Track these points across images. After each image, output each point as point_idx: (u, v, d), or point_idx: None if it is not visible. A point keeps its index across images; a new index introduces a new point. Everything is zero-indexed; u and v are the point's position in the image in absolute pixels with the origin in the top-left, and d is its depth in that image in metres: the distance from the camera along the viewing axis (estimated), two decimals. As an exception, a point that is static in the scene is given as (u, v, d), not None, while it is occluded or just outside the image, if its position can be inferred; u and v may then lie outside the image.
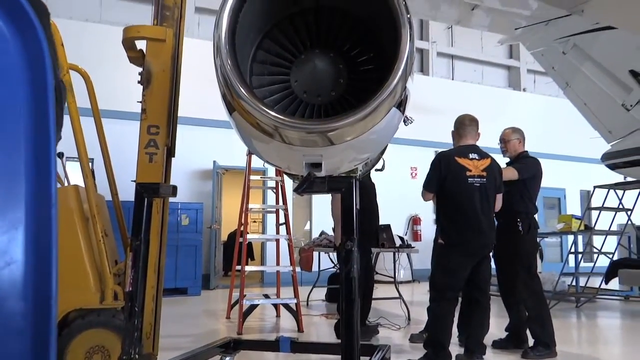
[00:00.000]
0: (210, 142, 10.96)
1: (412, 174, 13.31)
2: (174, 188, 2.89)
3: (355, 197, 2.19)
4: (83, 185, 3.57)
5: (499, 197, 4.69)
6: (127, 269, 2.67)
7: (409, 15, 1.81)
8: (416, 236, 13.02)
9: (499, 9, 6.92)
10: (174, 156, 3.31)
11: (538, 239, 6.11)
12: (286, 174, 2.88)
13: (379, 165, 3.49)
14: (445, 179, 4.43)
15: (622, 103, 6.56)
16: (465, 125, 4.66)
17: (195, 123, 10.34)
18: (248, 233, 6.34)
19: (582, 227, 7.90)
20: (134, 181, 2.88)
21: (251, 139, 2.02)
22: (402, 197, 12.03)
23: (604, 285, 8.37)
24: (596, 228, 8.70)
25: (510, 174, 5.04)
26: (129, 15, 11.47)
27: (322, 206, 10.78)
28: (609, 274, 8.10)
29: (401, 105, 1.90)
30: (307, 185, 2.01)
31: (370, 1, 1.88)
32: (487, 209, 4.47)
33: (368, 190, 5.73)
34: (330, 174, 2.24)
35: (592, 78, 7.10)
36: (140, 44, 3.20)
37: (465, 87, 14.59)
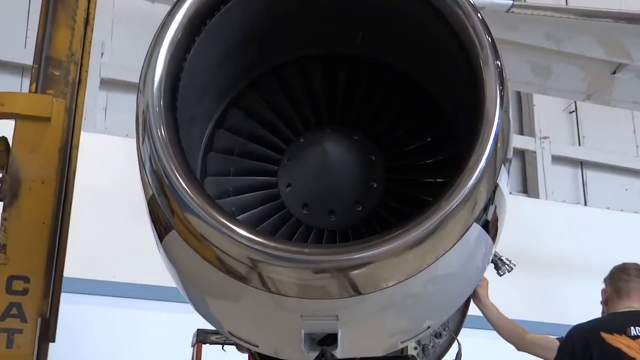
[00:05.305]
0: (121, 326, 10.20)
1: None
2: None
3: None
4: None
5: None
6: None
7: (498, 62, 1.84)
8: None
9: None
10: (53, 341, 3.23)
11: None
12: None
13: (451, 356, 3.40)
14: None
15: None
16: (629, 276, 4.52)
17: (96, 290, 9.68)
18: None
19: None
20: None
21: (202, 287, 2.02)
22: None
23: None
24: None
25: None
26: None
27: None
28: None
29: (488, 224, 1.89)
30: None
31: (423, 31, 1.96)
32: None
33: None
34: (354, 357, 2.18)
35: None
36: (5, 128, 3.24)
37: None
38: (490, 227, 1.90)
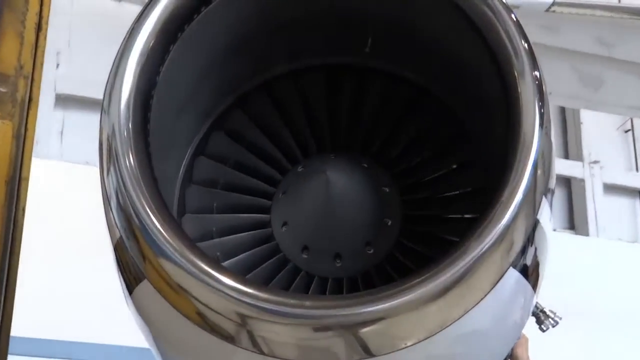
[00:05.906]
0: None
1: None
2: None
3: None
4: None
5: None
6: None
7: (536, 72, 1.85)
8: None
9: None
10: None
11: None
12: None
13: None
14: None
15: None
16: None
17: (52, 352, 9.61)
18: None
19: None
20: None
21: (180, 348, 2.01)
22: None
23: None
24: None
25: None
26: None
27: None
28: None
29: (527, 269, 1.88)
30: None
31: (443, 36, 1.98)
32: None
33: None
34: None
35: None
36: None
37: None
38: (530, 273, 1.88)
